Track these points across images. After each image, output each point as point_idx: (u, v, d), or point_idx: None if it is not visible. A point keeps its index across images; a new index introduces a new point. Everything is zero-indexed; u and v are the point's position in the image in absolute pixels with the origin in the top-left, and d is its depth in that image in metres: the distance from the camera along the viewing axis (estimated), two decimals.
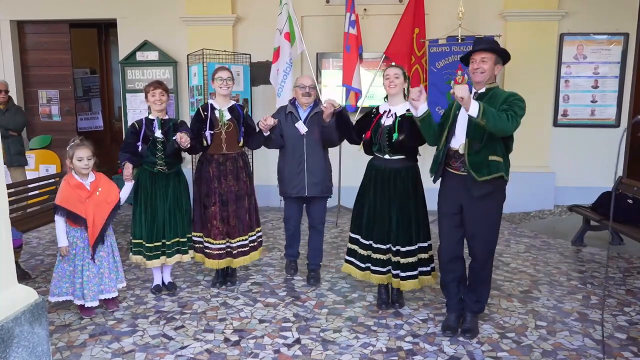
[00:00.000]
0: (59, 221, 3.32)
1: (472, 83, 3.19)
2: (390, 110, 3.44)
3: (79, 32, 8.03)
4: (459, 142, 3.07)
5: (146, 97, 3.79)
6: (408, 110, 3.32)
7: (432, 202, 3.47)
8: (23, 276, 4.12)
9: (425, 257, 3.48)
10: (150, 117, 3.80)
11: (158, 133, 3.73)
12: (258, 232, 4.02)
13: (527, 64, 6.13)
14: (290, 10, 5.87)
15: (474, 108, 2.80)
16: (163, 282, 3.97)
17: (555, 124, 6.43)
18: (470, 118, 2.89)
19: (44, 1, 6.78)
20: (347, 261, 3.67)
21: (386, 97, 3.54)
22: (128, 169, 3.63)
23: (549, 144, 6.37)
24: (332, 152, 6.23)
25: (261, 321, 3.42)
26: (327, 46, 6.50)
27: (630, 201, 4.69)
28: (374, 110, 3.58)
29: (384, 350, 3.04)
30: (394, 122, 3.37)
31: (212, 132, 3.79)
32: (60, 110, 7.29)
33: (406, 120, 3.35)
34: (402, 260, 3.42)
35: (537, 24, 6.19)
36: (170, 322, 3.40)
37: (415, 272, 3.44)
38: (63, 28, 7.10)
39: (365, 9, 6.30)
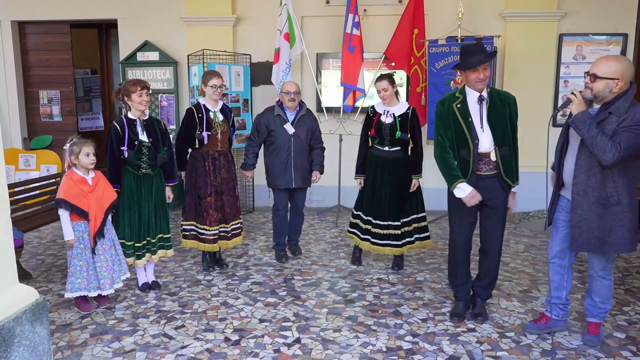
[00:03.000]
0: (64, 215, 3.36)
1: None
2: (388, 111, 4.12)
3: (80, 32, 8.06)
4: (483, 147, 3.21)
5: (129, 96, 3.65)
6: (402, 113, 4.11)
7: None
8: (24, 276, 4.13)
9: (424, 224, 4.29)
10: (131, 116, 3.72)
11: (143, 136, 3.71)
12: (241, 218, 4.45)
13: (527, 64, 6.14)
14: (290, 11, 5.88)
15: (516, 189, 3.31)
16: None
17: (555, 124, 6.43)
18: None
19: (44, 2, 6.79)
20: (350, 232, 4.44)
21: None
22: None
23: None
24: (333, 154, 6.27)
25: (261, 320, 3.43)
26: (327, 46, 6.51)
27: None
28: (371, 109, 4.26)
29: (384, 349, 3.05)
30: (394, 122, 4.08)
31: (209, 132, 4.07)
32: (61, 111, 7.30)
33: (404, 120, 4.09)
34: (404, 230, 4.19)
35: (537, 24, 6.20)
36: (170, 322, 3.41)
37: (411, 239, 4.23)
38: (64, 28, 7.11)
39: (365, 10, 6.31)
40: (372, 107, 4.28)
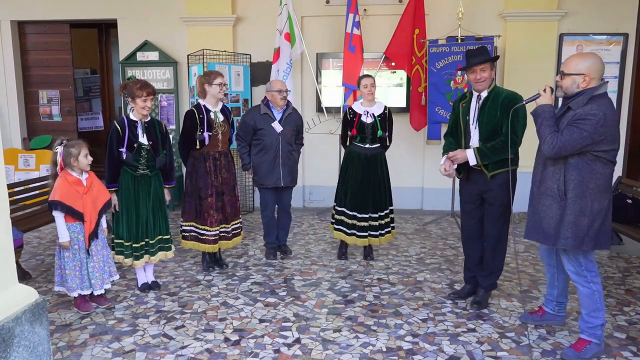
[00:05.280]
0: (59, 217, 3.36)
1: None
2: (368, 111, 4.33)
3: (80, 32, 8.05)
4: (474, 143, 3.47)
5: (133, 98, 3.64)
6: (382, 112, 4.37)
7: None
8: (24, 276, 4.13)
9: (392, 217, 4.55)
10: (132, 117, 3.71)
11: (143, 139, 3.70)
12: (240, 217, 4.45)
13: (527, 64, 6.14)
14: (291, 11, 5.88)
15: (471, 160, 3.40)
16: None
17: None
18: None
19: (44, 2, 6.79)
20: (337, 229, 4.55)
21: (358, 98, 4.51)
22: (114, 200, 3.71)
23: None
24: (333, 153, 6.27)
25: (261, 321, 3.43)
26: (327, 46, 6.50)
27: (629, 201, 4.70)
28: (350, 111, 4.43)
29: (384, 349, 3.05)
30: (375, 121, 4.32)
31: (209, 133, 4.06)
32: (60, 111, 7.30)
33: (383, 119, 4.34)
34: (380, 222, 4.45)
35: (537, 24, 6.19)
36: (170, 322, 3.41)
37: (388, 229, 4.51)
38: (63, 28, 7.11)
39: (365, 9, 6.30)
40: (350, 108, 4.46)
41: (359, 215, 4.42)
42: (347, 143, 4.46)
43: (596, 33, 6.24)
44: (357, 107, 4.41)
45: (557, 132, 2.73)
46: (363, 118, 4.32)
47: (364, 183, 4.36)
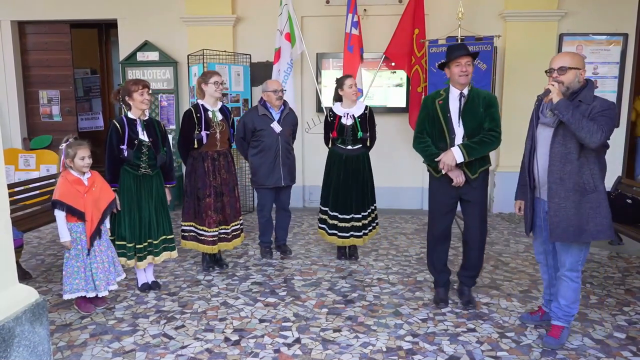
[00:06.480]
0: (60, 216, 3.35)
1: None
2: (348, 113, 4.32)
3: (80, 32, 8.06)
4: (459, 141, 3.38)
5: (130, 95, 3.63)
6: (362, 112, 4.34)
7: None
8: (24, 276, 4.13)
9: (374, 216, 4.56)
10: (131, 116, 3.70)
11: (143, 136, 3.70)
12: (241, 219, 4.43)
13: (527, 64, 6.13)
14: (291, 11, 5.88)
15: (459, 158, 3.29)
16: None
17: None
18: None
19: (44, 2, 6.79)
20: (320, 227, 4.60)
21: (338, 100, 4.42)
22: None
23: None
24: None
25: (261, 321, 3.43)
26: (327, 46, 6.51)
27: (629, 201, 4.70)
28: (330, 113, 4.42)
29: (384, 349, 3.05)
30: (355, 123, 4.29)
31: (207, 132, 4.06)
32: (61, 111, 7.30)
33: (363, 120, 4.32)
34: (363, 222, 4.45)
35: (537, 24, 6.20)
36: (170, 322, 3.41)
37: (370, 228, 4.52)
38: (64, 28, 7.12)
39: (365, 10, 6.31)
40: (331, 110, 4.44)
41: (340, 216, 4.43)
42: (330, 145, 4.46)
43: (596, 33, 6.24)
44: (337, 109, 4.39)
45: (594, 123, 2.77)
46: (343, 120, 4.32)
47: (347, 184, 4.36)
